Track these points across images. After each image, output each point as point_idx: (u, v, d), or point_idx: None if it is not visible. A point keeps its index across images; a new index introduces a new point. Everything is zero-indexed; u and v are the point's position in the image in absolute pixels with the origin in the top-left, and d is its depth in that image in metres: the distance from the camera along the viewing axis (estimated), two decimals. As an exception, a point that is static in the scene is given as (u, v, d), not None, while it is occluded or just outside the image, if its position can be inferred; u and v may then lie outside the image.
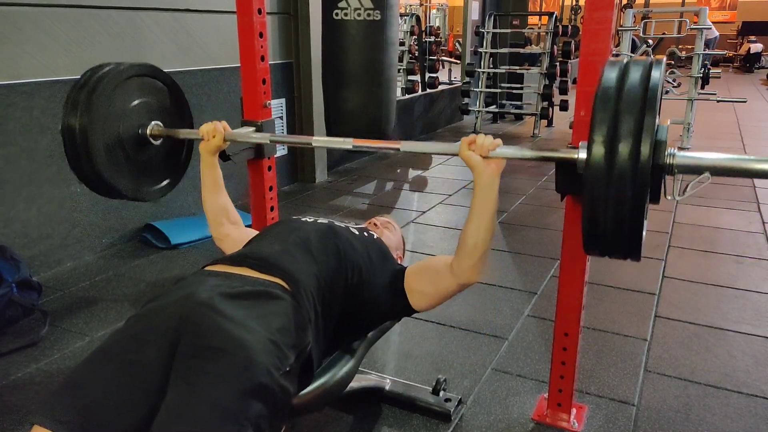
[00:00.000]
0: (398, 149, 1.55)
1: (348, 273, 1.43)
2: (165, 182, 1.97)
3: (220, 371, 1.07)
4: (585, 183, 1.12)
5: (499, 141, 1.36)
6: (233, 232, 1.71)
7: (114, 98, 1.75)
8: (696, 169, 1.15)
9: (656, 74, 1.12)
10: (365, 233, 1.61)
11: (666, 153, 1.13)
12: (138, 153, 1.85)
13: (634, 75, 1.13)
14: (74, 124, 1.68)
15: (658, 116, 1.09)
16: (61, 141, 1.75)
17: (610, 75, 1.16)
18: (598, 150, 1.09)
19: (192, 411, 1.03)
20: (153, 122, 1.86)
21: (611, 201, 1.10)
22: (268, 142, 1.96)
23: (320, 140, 1.73)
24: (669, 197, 1.18)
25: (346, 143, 1.64)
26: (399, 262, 1.71)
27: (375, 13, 3.26)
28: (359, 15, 3.27)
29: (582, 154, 1.21)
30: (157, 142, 1.89)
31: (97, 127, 1.70)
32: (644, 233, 1.15)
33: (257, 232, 1.76)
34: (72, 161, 1.77)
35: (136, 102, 1.82)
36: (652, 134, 1.06)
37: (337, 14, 3.30)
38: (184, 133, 1.90)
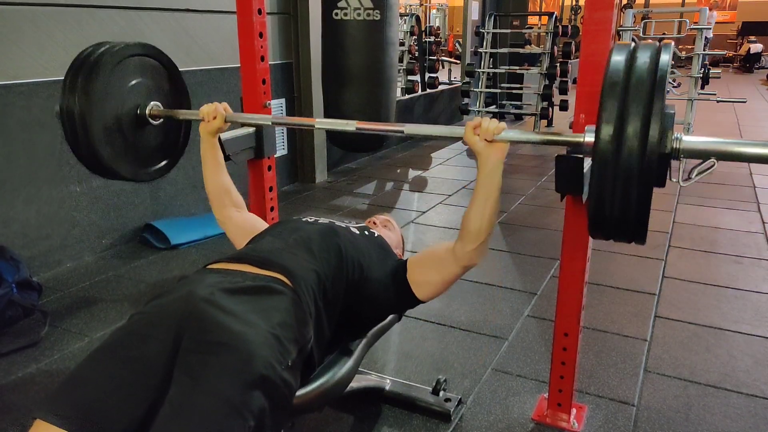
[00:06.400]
0: (402, 131, 1.54)
1: (349, 270, 1.44)
2: (162, 163, 1.95)
3: (222, 365, 1.07)
4: (592, 166, 1.12)
5: (503, 124, 1.37)
6: (235, 215, 1.72)
7: (112, 78, 1.72)
8: (701, 154, 1.15)
9: (665, 58, 1.11)
10: (366, 232, 1.62)
11: (672, 137, 1.12)
12: (136, 133, 1.82)
13: (643, 59, 1.12)
14: (72, 105, 1.66)
15: (665, 101, 1.08)
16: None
17: (619, 58, 1.15)
18: (606, 133, 1.08)
19: (195, 404, 1.03)
20: (152, 102, 1.84)
21: (618, 184, 1.09)
22: (270, 123, 1.92)
23: (323, 122, 1.71)
24: (674, 180, 1.18)
25: (350, 125, 1.62)
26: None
27: (375, 13, 3.26)
28: (359, 15, 3.26)
29: (589, 138, 1.20)
30: (156, 123, 1.87)
31: (95, 107, 1.68)
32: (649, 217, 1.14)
33: (259, 219, 1.78)
34: (71, 142, 1.75)
35: (134, 82, 1.79)
36: (659, 119, 1.06)
37: (336, 14, 3.29)
38: (184, 114, 1.88)
